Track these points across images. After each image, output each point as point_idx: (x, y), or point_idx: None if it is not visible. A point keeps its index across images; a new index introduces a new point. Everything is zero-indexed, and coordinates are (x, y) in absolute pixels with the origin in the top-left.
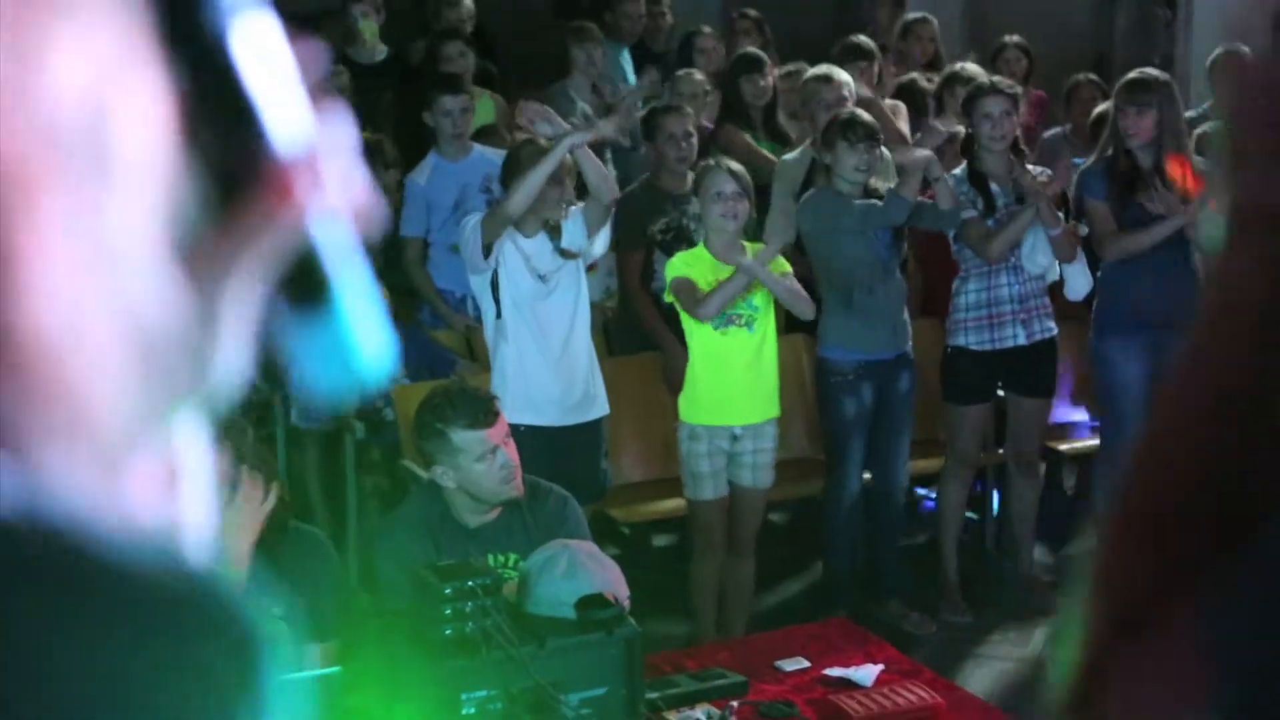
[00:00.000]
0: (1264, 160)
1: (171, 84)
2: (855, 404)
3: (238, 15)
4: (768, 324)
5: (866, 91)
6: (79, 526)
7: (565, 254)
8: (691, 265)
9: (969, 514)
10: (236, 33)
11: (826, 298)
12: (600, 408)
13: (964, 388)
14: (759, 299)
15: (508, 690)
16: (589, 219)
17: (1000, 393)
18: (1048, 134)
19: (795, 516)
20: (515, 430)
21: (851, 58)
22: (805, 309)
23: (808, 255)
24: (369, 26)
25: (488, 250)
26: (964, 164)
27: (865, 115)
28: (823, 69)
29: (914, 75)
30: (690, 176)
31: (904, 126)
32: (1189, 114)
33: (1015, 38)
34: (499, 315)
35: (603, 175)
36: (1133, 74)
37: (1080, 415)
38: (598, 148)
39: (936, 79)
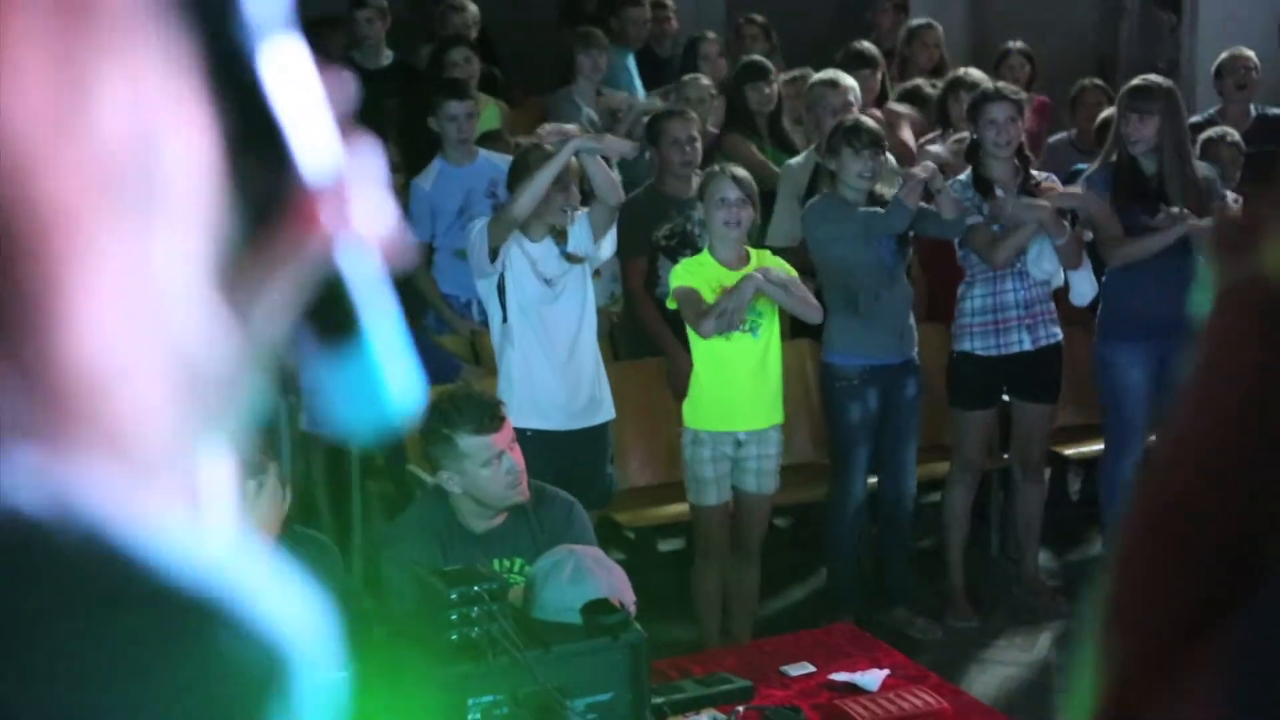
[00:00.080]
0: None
1: (211, 114)
2: (860, 409)
3: (266, 42)
4: (772, 330)
5: (908, 137)
6: (110, 532)
7: (571, 258)
8: (695, 272)
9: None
10: (265, 59)
11: (831, 303)
12: (606, 412)
13: (969, 393)
14: (763, 305)
15: (514, 695)
16: (595, 223)
17: (1005, 398)
18: (1053, 139)
19: (800, 521)
20: (521, 435)
21: (855, 66)
22: (813, 315)
23: (813, 260)
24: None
25: (494, 255)
26: (969, 170)
27: (870, 122)
28: (829, 74)
29: (919, 81)
30: (695, 181)
31: (908, 135)
32: (1194, 119)
33: (1018, 43)
34: (505, 320)
35: (608, 179)
36: (1136, 80)
37: (1085, 420)
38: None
39: (940, 85)
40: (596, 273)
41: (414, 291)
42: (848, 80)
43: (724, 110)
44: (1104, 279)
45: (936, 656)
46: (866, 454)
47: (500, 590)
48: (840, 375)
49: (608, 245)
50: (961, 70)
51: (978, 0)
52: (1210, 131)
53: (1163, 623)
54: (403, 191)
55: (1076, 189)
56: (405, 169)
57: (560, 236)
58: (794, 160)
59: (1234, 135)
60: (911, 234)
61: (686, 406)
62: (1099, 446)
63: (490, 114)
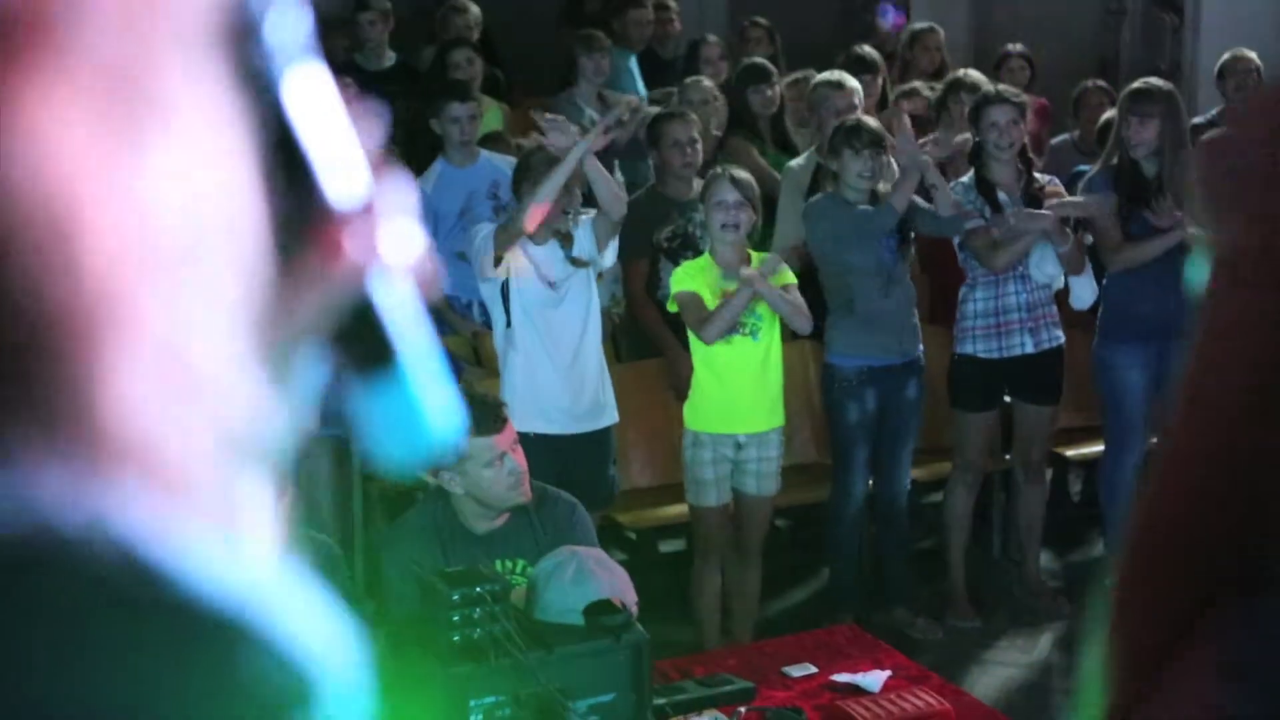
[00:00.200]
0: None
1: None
2: (858, 410)
3: (289, 69)
4: (773, 333)
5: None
6: (140, 548)
7: (576, 262)
8: (695, 275)
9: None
10: (288, 86)
11: (831, 304)
12: (610, 416)
13: (971, 395)
14: (764, 308)
15: (516, 696)
16: (598, 232)
17: (1007, 399)
18: (1056, 140)
19: (801, 523)
20: (524, 439)
21: (856, 70)
22: (802, 324)
23: (815, 260)
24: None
25: (498, 260)
26: (971, 172)
27: (871, 122)
28: (834, 75)
29: (915, 84)
30: (697, 184)
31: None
32: (1196, 120)
33: (1018, 46)
34: (509, 325)
35: (613, 191)
36: (1137, 83)
37: (1086, 422)
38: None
39: (939, 87)
40: (599, 275)
41: None
42: (852, 82)
43: (726, 112)
44: (1104, 282)
45: (938, 657)
46: (866, 454)
47: (502, 591)
48: (839, 376)
49: (610, 254)
50: (961, 71)
51: (979, 3)
52: (1212, 133)
53: (1164, 617)
54: None
55: (1080, 198)
56: (406, 171)
57: (565, 240)
58: (795, 162)
59: None
60: (913, 234)
61: (687, 408)
62: (1100, 448)
63: (492, 116)
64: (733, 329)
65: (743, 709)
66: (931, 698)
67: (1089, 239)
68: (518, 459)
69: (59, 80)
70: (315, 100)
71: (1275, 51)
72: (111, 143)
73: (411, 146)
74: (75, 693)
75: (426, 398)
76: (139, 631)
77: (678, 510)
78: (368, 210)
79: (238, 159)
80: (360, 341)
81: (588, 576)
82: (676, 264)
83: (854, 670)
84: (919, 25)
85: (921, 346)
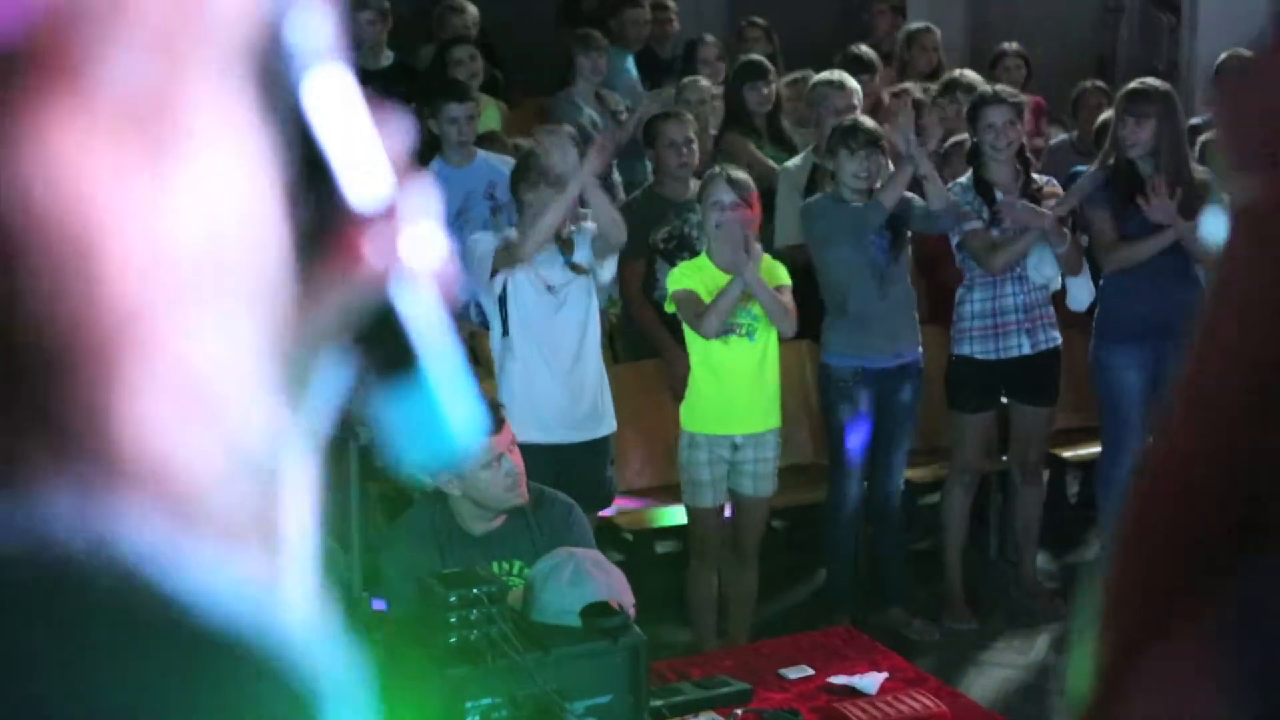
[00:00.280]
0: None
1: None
2: (852, 411)
3: (311, 72)
4: (770, 334)
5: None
6: (146, 569)
7: (575, 268)
8: (692, 275)
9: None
10: (310, 90)
11: (827, 304)
12: (608, 425)
13: (968, 396)
14: (759, 308)
15: (512, 698)
16: (596, 248)
17: (1004, 400)
18: (1054, 141)
19: (798, 523)
20: (522, 448)
21: (853, 70)
22: (786, 326)
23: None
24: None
25: (493, 273)
26: (969, 173)
27: (867, 122)
28: (835, 74)
29: (907, 85)
30: (693, 184)
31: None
32: (1194, 121)
33: (1014, 45)
34: (506, 333)
35: (612, 217)
36: (1133, 83)
37: (1083, 423)
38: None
39: (932, 88)
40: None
41: None
42: (852, 83)
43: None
44: (1100, 282)
45: (934, 658)
46: (861, 455)
47: (499, 593)
48: (834, 376)
49: (608, 271)
50: (957, 72)
51: (976, 2)
52: (1210, 133)
53: (1148, 593)
54: None
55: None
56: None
57: (565, 246)
58: (791, 162)
59: None
60: (909, 235)
61: (684, 410)
62: (1097, 449)
63: (490, 115)
64: (730, 329)
65: (739, 711)
66: (928, 700)
67: (1084, 240)
68: (515, 460)
69: (81, 104)
70: (337, 103)
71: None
72: (132, 164)
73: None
74: (77, 712)
75: (448, 401)
76: (143, 653)
77: (674, 511)
78: (390, 214)
79: (260, 178)
80: (382, 345)
81: (585, 578)
82: (673, 265)
83: (851, 672)
84: (915, 25)
85: (920, 350)
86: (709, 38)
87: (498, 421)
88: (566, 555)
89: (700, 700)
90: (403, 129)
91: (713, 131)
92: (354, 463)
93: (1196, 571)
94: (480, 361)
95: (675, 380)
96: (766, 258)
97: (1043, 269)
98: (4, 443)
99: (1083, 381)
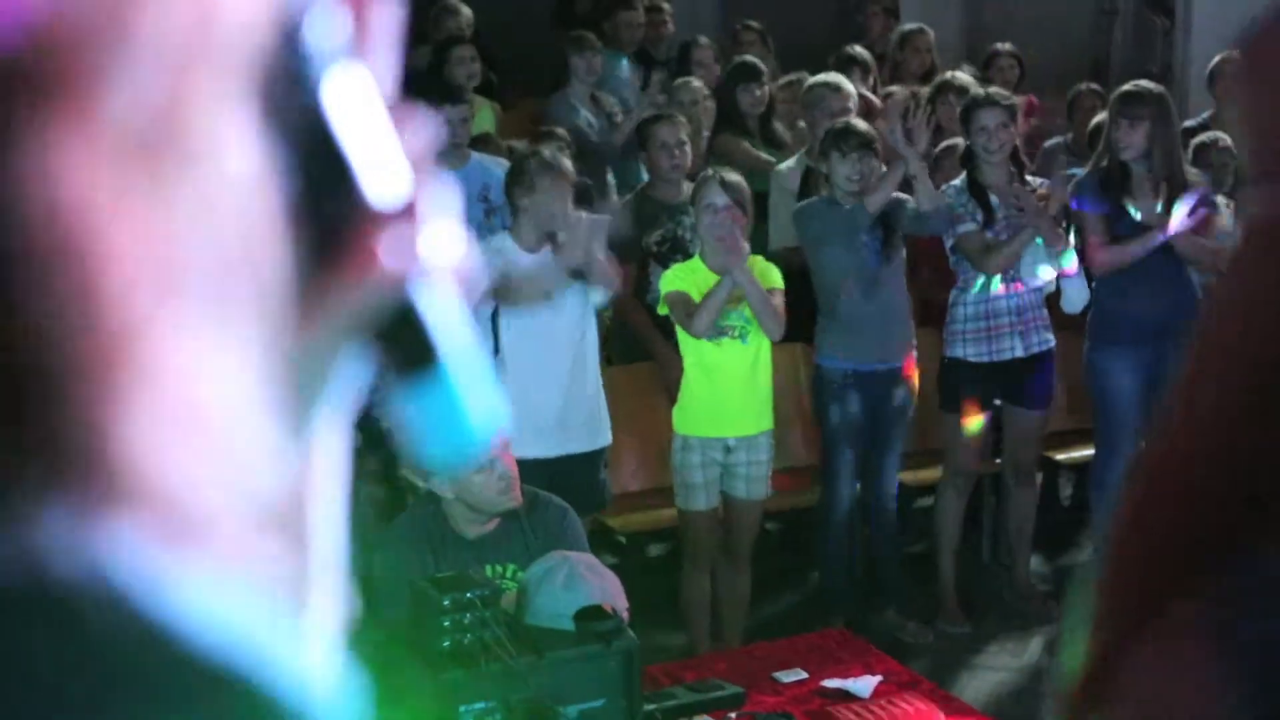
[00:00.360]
0: None
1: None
2: (840, 413)
3: (329, 70)
4: (762, 336)
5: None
6: (137, 596)
7: (573, 273)
8: (685, 277)
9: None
10: (327, 88)
11: (820, 306)
12: (604, 436)
13: (961, 398)
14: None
15: (506, 702)
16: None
17: (997, 403)
18: (1049, 143)
19: (793, 525)
20: (518, 461)
21: (847, 70)
22: (774, 328)
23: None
24: None
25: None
26: (963, 175)
27: (860, 125)
28: (831, 77)
29: (894, 89)
30: (686, 186)
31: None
32: (1189, 123)
33: (1007, 45)
34: (498, 353)
35: (605, 274)
36: (1127, 86)
37: (1077, 425)
38: (599, 159)
39: (921, 92)
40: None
41: None
42: (848, 86)
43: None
44: (1094, 285)
45: (928, 661)
46: (853, 458)
47: (493, 596)
48: (824, 378)
49: (600, 294)
50: (949, 74)
51: (970, 4)
52: (1203, 136)
53: (1145, 576)
54: None
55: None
56: None
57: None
58: (784, 164)
59: (1226, 140)
60: (901, 238)
61: (676, 412)
62: (1091, 452)
63: (484, 116)
64: (722, 331)
65: (733, 714)
66: (922, 703)
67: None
68: (508, 463)
69: (84, 122)
70: (357, 101)
71: None
72: (134, 183)
73: None
74: None
75: (469, 398)
76: (135, 681)
77: (668, 514)
78: (410, 212)
79: (266, 196)
80: (402, 343)
81: (579, 582)
82: (666, 267)
83: (844, 675)
84: (909, 26)
85: (914, 355)
86: (703, 39)
87: None
88: (560, 559)
89: (693, 704)
90: (425, 126)
91: (706, 133)
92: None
93: (1194, 570)
94: None
95: (670, 383)
96: (759, 260)
97: (1036, 270)
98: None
99: (1076, 384)
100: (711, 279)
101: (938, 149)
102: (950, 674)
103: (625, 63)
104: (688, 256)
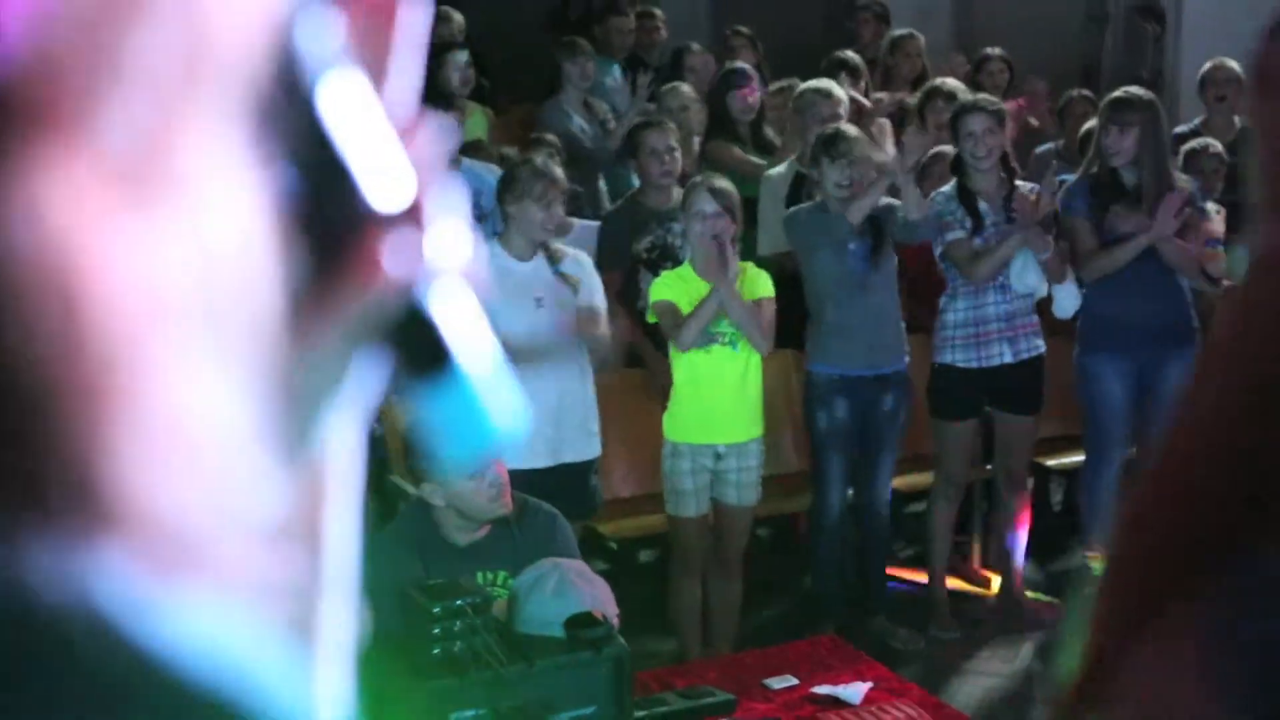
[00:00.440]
0: None
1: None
2: (827, 418)
3: (325, 76)
4: None
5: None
6: (129, 625)
7: (566, 279)
8: (674, 285)
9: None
10: (325, 94)
11: (810, 312)
12: (594, 448)
13: (951, 404)
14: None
15: (496, 709)
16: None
17: (987, 409)
18: (1040, 149)
19: (785, 531)
20: (510, 472)
21: (837, 76)
22: (761, 343)
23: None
24: None
25: None
26: (953, 181)
27: (851, 130)
28: (823, 83)
29: (880, 96)
30: (676, 193)
31: (888, 146)
32: (1179, 129)
33: (997, 50)
34: None
35: (598, 343)
36: (1118, 92)
37: (1067, 431)
38: (591, 165)
39: (908, 99)
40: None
41: None
42: (839, 92)
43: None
44: (1084, 290)
45: (919, 667)
46: (842, 464)
47: (483, 604)
48: (813, 383)
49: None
50: (939, 80)
51: (961, 10)
52: (1193, 143)
53: (1155, 590)
54: None
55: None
56: None
57: (553, 258)
58: (773, 171)
59: (1216, 146)
60: (891, 244)
61: (666, 419)
62: (1081, 457)
63: (476, 122)
64: (712, 338)
65: None
66: (912, 710)
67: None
68: (499, 471)
69: (72, 151)
70: (353, 106)
71: None
72: (122, 212)
73: None
74: None
75: (484, 398)
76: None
77: (658, 520)
78: (415, 215)
79: (257, 221)
80: (413, 347)
81: (569, 589)
82: (656, 274)
83: (835, 682)
84: (899, 32)
85: (907, 359)
86: (695, 45)
87: None
88: (551, 566)
89: (684, 710)
90: (432, 128)
91: (697, 139)
92: None
93: (1194, 570)
94: None
95: (660, 389)
96: (750, 267)
97: (1026, 278)
98: None
99: (1067, 390)
100: (702, 286)
101: (926, 154)
102: (941, 680)
103: (617, 69)
104: (678, 263)
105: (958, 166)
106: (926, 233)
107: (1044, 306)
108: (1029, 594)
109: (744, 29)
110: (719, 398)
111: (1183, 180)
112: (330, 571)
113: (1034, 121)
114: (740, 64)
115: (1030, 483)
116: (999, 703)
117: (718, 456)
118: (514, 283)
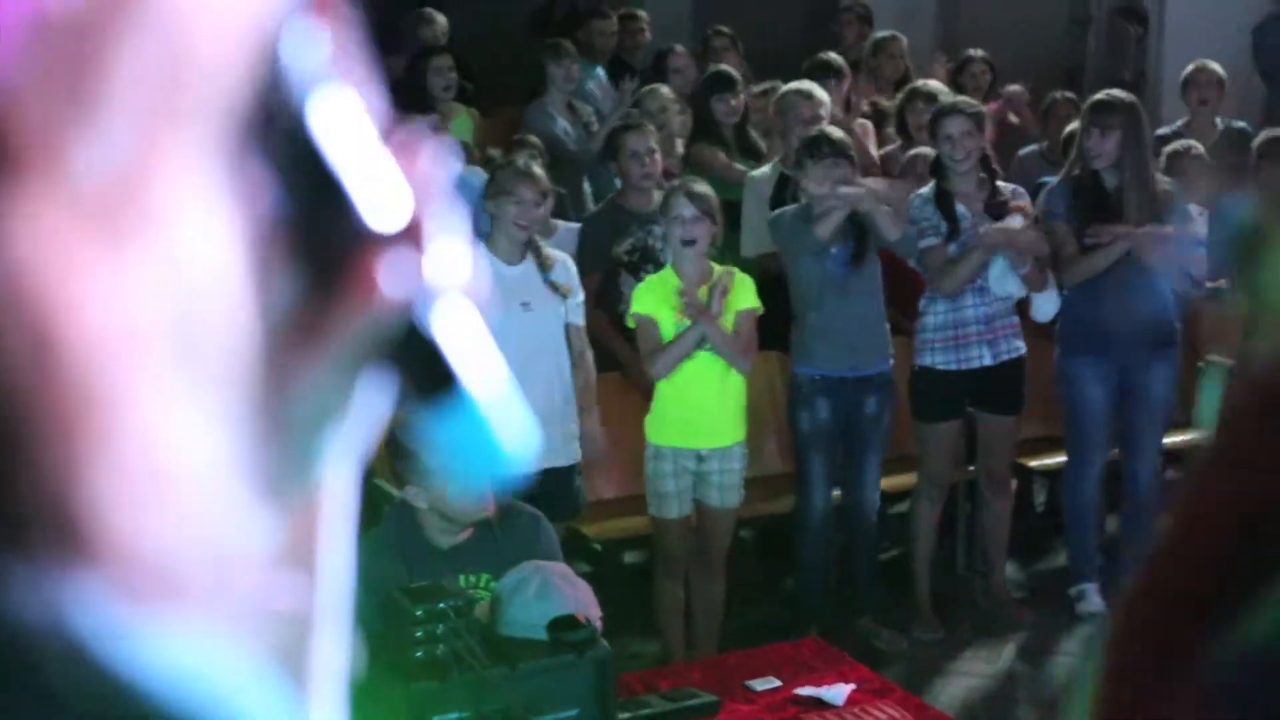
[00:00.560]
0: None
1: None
2: (809, 419)
3: (315, 94)
4: None
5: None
6: (103, 654)
7: (555, 287)
8: (656, 291)
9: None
10: (315, 113)
11: (794, 313)
12: (573, 453)
13: (932, 406)
14: (728, 319)
15: (479, 712)
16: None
17: (969, 410)
18: (1023, 151)
19: (768, 533)
20: None
21: (821, 76)
22: (741, 366)
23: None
24: None
25: None
26: (932, 184)
27: (834, 132)
28: (804, 85)
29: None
30: (657, 195)
31: (871, 147)
32: (1162, 131)
33: (979, 51)
34: None
35: (588, 389)
36: (1099, 95)
37: (1049, 432)
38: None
39: (886, 103)
40: None
41: None
42: (821, 93)
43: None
44: (1065, 293)
45: (903, 668)
46: (824, 465)
47: (466, 606)
48: (796, 384)
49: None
50: (919, 81)
51: (944, 11)
52: (1175, 144)
53: (1149, 633)
54: None
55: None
56: None
57: (544, 264)
58: (757, 172)
59: (1198, 148)
60: (875, 247)
61: (648, 421)
62: (1063, 458)
63: (461, 124)
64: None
65: None
66: (894, 711)
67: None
68: None
69: (49, 185)
70: (344, 123)
71: (1239, 63)
72: (100, 245)
73: None
74: None
75: (492, 420)
76: None
77: (642, 521)
78: (411, 233)
79: (236, 253)
80: (417, 367)
81: (552, 591)
82: (637, 277)
83: (818, 684)
84: (882, 34)
85: (891, 361)
86: (679, 47)
87: None
88: (533, 569)
89: (667, 712)
90: (429, 144)
91: (679, 139)
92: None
93: (1205, 626)
94: None
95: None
96: (737, 273)
97: (1005, 283)
98: None
99: (1048, 391)
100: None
101: (906, 156)
102: (924, 681)
103: (601, 71)
104: (659, 265)
105: (937, 168)
106: (907, 247)
107: (1024, 307)
108: (1012, 594)
109: (726, 30)
110: (701, 402)
111: (1165, 182)
112: (323, 601)
113: (1013, 119)
114: (724, 67)
115: (1013, 483)
116: (981, 703)
117: (700, 459)
118: (501, 287)
